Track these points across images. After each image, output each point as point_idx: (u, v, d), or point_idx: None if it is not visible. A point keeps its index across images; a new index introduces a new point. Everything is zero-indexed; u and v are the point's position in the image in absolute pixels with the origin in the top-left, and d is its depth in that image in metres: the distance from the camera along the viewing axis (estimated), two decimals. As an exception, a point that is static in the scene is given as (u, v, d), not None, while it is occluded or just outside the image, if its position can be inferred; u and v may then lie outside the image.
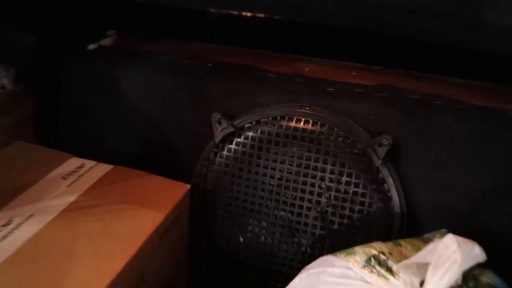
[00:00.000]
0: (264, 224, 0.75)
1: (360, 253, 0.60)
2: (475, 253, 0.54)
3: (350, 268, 0.59)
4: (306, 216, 0.71)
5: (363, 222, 0.69)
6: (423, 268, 0.56)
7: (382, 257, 0.59)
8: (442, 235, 0.61)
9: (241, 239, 0.76)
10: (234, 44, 0.85)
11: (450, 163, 0.67)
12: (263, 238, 0.75)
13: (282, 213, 0.73)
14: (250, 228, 0.75)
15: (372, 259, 0.59)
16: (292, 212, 0.72)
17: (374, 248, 0.60)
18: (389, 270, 0.57)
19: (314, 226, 0.72)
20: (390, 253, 0.60)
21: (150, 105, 0.77)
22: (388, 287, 0.56)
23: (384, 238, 0.67)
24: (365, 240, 0.64)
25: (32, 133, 0.89)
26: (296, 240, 0.73)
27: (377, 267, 0.57)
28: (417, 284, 0.55)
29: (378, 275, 0.57)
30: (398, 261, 0.59)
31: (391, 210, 0.68)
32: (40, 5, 0.78)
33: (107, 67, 0.78)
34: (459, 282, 0.54)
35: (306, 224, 0.72)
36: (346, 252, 0.61)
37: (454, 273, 0.53)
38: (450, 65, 0.77)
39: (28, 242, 0.59)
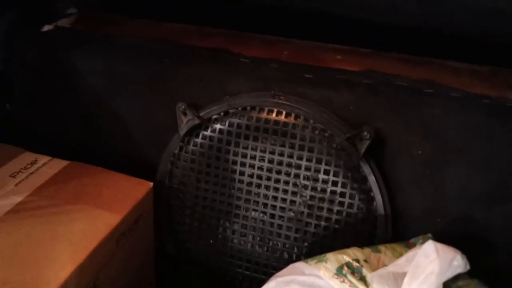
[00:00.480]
0: (235, 226, 0.74)
1: (332, 260, 0.60)
2: (457, 263, 0.53)
3: (321, 277, 0.59)
4: (280, 217, 0.71)
5: (343, 225, 0.69)
6: (400, 278, 0.56)
7: (356, 265, 0.59)
8: (426, 241, 0.61)
9: (211, 242, 0.76)
10: (207, 24, 0.84)
11: (440, 160, 0.66)
12: (235, 241, 0.75)
13: (254, 213, 0.73)
14: (220, 230, 0.75)
15: (345, 267, 0.59)
16: (265, 213, 0.72)
17: (348, 255, 0.60)
18: (363, 279, 0.57)
19: (289, 229, 0.71)
20: (365, 261, 0.60)
21: (109, 94, 0.76)
22: (360, 299, 0.56)
23: (367, 243, 0.66)
24: (345, 244, 0.64)
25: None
26: (270, 243, 0.73)
27: (349, 276, 0.57)
28: (396, 296, 0.55)
29: (350, 286, 0.57)
30: (374, 269, 0.59)
31: (374, 212, 0.68)
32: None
33: (62, 51, 0.77)
34: (440, 294, 0.54)
35: (280, 226, 0.72)
36: (318, 259, 0.61)
37: (430, 284, 0.53)
38: (448, 47, 0.76)
39: None
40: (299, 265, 0.62)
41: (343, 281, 0.57)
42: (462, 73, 0.73)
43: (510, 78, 0.73)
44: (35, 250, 0.60)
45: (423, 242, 0.60)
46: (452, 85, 0.69)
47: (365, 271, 0.58)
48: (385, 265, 0.60)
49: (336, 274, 0.58)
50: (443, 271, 0.53)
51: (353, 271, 0.59)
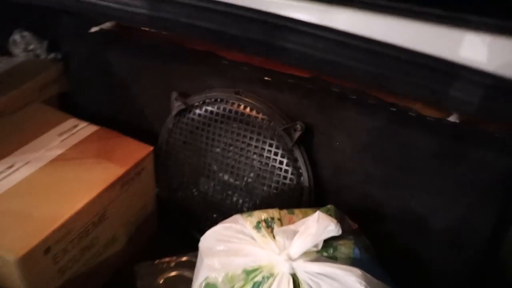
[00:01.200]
0: (212, 183, 0.91)
1: (255, 216, 0.75)
2: (330, 228, 0.66)
3: (246, 227, 0.73)
4: (241, 179, 0.86)
5: (279, 191, 0.84)
6: (295, 234, 0.69)
7: (270, 222, 0.73)
8: (326, 211, 0.73)
9: (195, 192, 0.93)
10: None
11: (351, 151, 0.78)
12: (211, 193, 0.92)
13: (222, 175, 0.89)
14: (200, 185, 0.92)
15: (263, 222, 0.73)
16: (229, 176, 0.87)
17: (267, 213, 0.75)
18: (272, 232, 0.71)
19: (243, 189, 0.87)
20: (279, 219, 0.74)
21: (129, 80, 0.94)
22: (266, 245, 0.70)
23: (296, 206, 0.80)
24: (279, 205, 0.78)
25: (56, 94, 1.11)
26: (232, 199, 0.89)
27: (263, 229, 0.71)
28: (288, 246, 0.68)
29: (262, 235, 0.70)
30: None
31: (301, 184, 0.82)
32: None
33: (102, 48, 0.95)
34: (319, 248, 0.66)
35: (238, 187, 0.87)
36: (248, 214, 0.76)
37: (309, 241, 0.65)
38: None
39: (22, 181, 0.82)
40: (238, 217, 0.78)
41: (258, 232, 0.70)
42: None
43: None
44: (63, 187, 0.83)
45: (324, 211, 0.72)
46: (373, 94, 0.77)
47: (275, 226, 0.71)
48: (294, 224, 0.72)
49: (255, 226, 0.71)
50: (318, 233, 0.65)
51: (268, 226, 0.72)
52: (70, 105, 1.06)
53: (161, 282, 0.92)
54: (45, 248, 0.74)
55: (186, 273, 0.92)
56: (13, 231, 0.73)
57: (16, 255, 0.70)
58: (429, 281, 0.80)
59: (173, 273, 0.93)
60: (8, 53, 1.22)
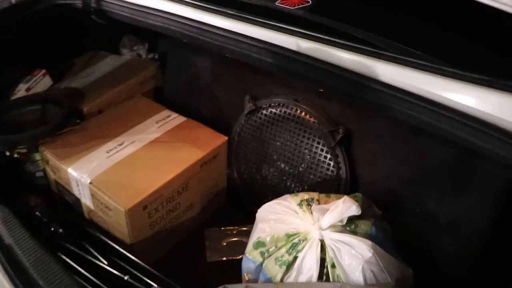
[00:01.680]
0: (271, 169, 1.21)
1: (300, 196, 1.03)
2: (352, 209, 0.92)
3: (292, 204, 1.02)
4: (295, 168, 1.15)
5: (322, 180, 1.11)
6: (327, 211, 0.97)
7: (311, 201, 1.01)
8: (354, 197, 1.00)
9: (258, 177, 1.23)
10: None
11: (380, 153, 1.04)
12: (269, 177, 1.21)
13: (282, 165, 1.18)
14: (263, 171, 1.22)
15: (305, 201, 1.01)
16: (287, 165, 1.16)
17: (309, 195, 1.02)
18: (310, 210, 0.99)
19: (295, 176, 1.15)
20: (318, 200, 1.02)
21: (213, 82, 1.26)
22: (305, 217, 0.98)
23: (334, 193, 1.07)
24: (321, 191, 1.05)
25: (152, 88, 1.45)
26: (286, 183, 1.18)
27: (304, 206, 1.00)
28: (320, 219, 0.96)
29: (303, 210, 0.99)
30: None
31: (340, 176, 1.09)
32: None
33: (190, 53, 1.28)
34: (343, 223, 0.93)
35: (293, 175, 1.16)
36: (295, 194, 1.04)
37: (335, 217, 0.92)
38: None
39: (129, 155, 1.16)
40: (287, 196, 1.06)
41: (300, 208, 0.98)
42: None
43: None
44: (158, 162, 1.15)
45: (351, 197, 0.98)
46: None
47: (314, 205, 0.98)
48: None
49: (298, 204, 0.99)
50: (343, 212, 0.91)
51: (308, 204, 1.00)
52: (163, 98, 1.40)
53: (224, 244, 1.23)
54: (144, 205, 1.06)
55: (245, 240, 1.21)
56: (124, 190, 1.06)
57: (126, 207, 1.03)
58: (435, 263, 1.03)
59: (234, 239, 1.24)
60: (118, 52, 1.59)
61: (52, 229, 1.12)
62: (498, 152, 0.76)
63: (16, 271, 0.85)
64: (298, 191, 1.17)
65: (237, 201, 1.30)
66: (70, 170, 1.10)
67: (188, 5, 1.08)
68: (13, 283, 0.83)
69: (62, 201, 1.22)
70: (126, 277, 1.01)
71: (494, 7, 0.80)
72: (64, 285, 0.85)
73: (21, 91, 1.33)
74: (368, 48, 0.87)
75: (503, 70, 0.81)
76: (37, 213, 1.14)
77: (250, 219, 1.09)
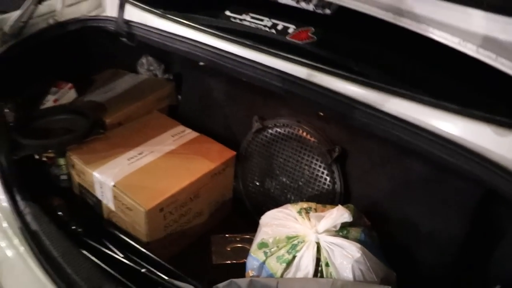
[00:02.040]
0: (273, 183, 1.39)
1: (299, 205, 1.21)
2: (344, 216, 1.10)
3: (292, 211, 1.20)
4: (295, 182, 1.34)
5: (319, 193, 1.30)
6: (322, 218, 1.15)
7: (309, 210, 1.19)
8: (346, 207, 1.18)
9: (261, 189, 1.42)
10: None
11: (372, 170, 1.22)
12: (272, 190, 1.40)
13: (284, 179, 1.36)
14: (266, 184, 1.40)
15: (303, 209, 1.19)
16: (288, 179, 1.35)
17: (308, 204, 1.21)
18: (308, 216, 1.17)
19: (295, 190, 1.34)
20: (315, 209, 1.20)
21: (222, 102, 1.46)
22: (303, 223, 1.16)
23: (329, 204, 1.25)
24: (319, 202, 1.24)
25: (166, 105, 1.65)
26: (287, 196, 1.36)
27: (303, 214, 1.18)
28: (317, 224, 1.14)
29: (302, 217, 1.17)
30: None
31: (335, 190, 1.27)
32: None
33: (203, 75, 1.48)
34: (337, 228, 1.12)
35: (293, 188, 1.34)
36: (295, 203, 1.22)
37: (330, 223, 1.10)
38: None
39: (148, 164, 1.33)
40: (288, 205, 1.23)
41: (300, 215, 1.17)
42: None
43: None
44: (174, 171, 1.32)
45: (344, 207, 1.17)
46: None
47: (311, 213, 1.17)
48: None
49: (298, 211, 1.18)
50: (336, 218, 1.10)
51: (306, 212, 1.18)
52: (178, 115, 1.60)
53: (228, 249, 1.40)
54: (161, 207, 1.22)
55: (247, 246, 1.38)
56: (144, 193, 1.22)
57: (145, 208, 1.20)
58: (417, 268, 1.18)
59: (238, 245, 1.40)
60: (135, 71, 1.79)
61: (73, 227, 1.29)
62: (470, 170, 0.95)
63: (46, 259, 1.00)
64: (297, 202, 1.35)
65: (242, 211, 1.47)
66: (95, 173, 1.28)
67: (211, 34, 1.27)
68: (44, 269, 0.99)
69: (83, 203, 1.40)
70: (143, 270, 1.18)
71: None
72: (90, 273, 1.02)
73: (49, 101, 1.51)
74: (361, 78, 1.06)
75: (475, 100, 1.01)
76: (59, 213, 1.32)
77: (252, 228, 1.25)
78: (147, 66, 1.75)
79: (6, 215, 1.07)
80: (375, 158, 1.21)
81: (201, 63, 1.46)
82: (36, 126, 1.42)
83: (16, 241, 1.03)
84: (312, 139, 1.29)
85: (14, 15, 1.36)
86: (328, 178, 1.28)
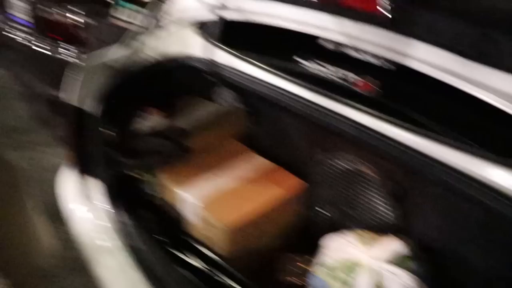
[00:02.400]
0: (337, 212, 1.61)
1: (359, 232, 1.42)
2: (402, 247, 1.32)
3: (352, 238, 1.41)
4: (358, 215, 1.56)
5: (380, 226, 1.51)
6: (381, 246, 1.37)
7: (368, 237, 1.40)
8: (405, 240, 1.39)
9: (325, 217, 1.64)
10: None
11: (431, 211, 1.39)
12: (335, 219, 1.62)
13: (347, 210, 1.58)
14: (330, 212, 1.62)
15: (364, 237, 1.40)
16: (351, 210, 1.57)
17: (368, 233, 1.40)
18: (368, 244, 1.39)
19: (359, 221, 1.56)
20: (375, 238, 1.41)
21: (292, 138, 1.70)
22: (363, 250, 1.37)
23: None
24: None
25: (241, 133, 1.90)
26: (350, 226, 1.58)
27: (363, 241, 1.39)
28: (375, 251, 1.36)
29: (362, 245, 1.38)
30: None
31: (394, 224, 1.48)
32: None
33: (277, 112, 1.72)
34: (394, 257, 1.33)
35: (356, 219, 1.56)
36: (356, 231, 1.44)
37: (387, 252, 1.32)
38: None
39: (229, 188, 1.58)
40: (349, 232, 1.44)
41: (360, 242, 1.38)
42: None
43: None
44: (251, 196, 1.56)
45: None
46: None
47: (371, 241, 1.38)
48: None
49: (358, 238, 1.39)
50: (393, 249, 1.31)
51: (367, 240, 1.39)
52: (248, 143, 1.84)
53: (295, 268, 1.59)
54: (241, 228, 1.45)
55: (311, 267, 1.60)
56: (227, 214, 1.45)
57: (226, 227, 1.43)
58: None
59: (304, 265, 1.60)
60: (212, 100, 2.05)
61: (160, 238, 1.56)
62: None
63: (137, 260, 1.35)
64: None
65: (306, 235, 1.67)
66: (185, 194, 1.53)
67: (285, 79, 1.49)
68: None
69: (169, 217, 1.65)
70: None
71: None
72: (178, 279, 1.31)
73: (139, 124, 1.81)
74: (419, 129, 1.23)
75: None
76: (149, 223, 1.59)
77: (316, 252, 1.45)
78: (223, 96, 2.00)
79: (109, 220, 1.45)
80: (435, 201, 1.37)
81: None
82: (128, 146, 1.70)
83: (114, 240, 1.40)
84: (377, 177, 1.49)
85: (119, 52, 1.67)
86: (389, 213, 1.49)
